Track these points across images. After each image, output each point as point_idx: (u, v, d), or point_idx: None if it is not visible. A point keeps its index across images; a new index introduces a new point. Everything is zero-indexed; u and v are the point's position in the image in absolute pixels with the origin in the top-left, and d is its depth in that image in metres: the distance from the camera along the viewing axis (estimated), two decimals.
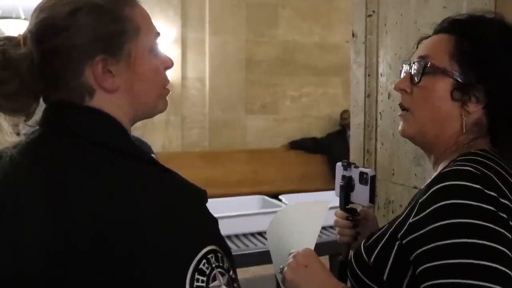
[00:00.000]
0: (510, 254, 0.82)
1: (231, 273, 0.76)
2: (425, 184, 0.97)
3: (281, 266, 1.10)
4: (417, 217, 0.88)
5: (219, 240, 0.77)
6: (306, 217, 1.24)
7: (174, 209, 0.75)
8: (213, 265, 0.73)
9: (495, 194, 0.85)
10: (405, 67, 1.06)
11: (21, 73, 0.80)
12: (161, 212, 0.73)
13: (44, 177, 0.78)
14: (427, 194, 0.88)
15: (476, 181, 0.85)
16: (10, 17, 4.31)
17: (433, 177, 0.96)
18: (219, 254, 0.74)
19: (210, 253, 0.73)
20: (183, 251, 0.72)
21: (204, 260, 0.72)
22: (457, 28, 1.02)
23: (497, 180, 0.88)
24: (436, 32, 1.06)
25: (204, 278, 0.71)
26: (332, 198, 1.35)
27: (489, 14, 1.03)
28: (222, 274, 0.74)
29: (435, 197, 0.86)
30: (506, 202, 0.85)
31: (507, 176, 0.92)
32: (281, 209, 1.32)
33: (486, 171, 0.88)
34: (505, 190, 0.87)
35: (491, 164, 0.92)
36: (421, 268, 0.85)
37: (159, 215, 0.73)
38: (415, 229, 0.88)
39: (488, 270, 0.79)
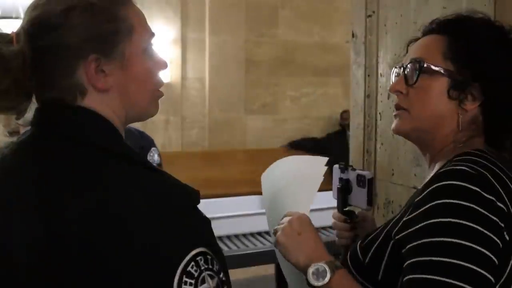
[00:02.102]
0: (495, 259, 0.83)
1: (221, 275, 0.75)
2: (423, 184, 0.97)
3: (275, 228, 1.09)
4: (411, 215, 0.89)
5: (210, 242, 0.77)
6: (302, 173, 1.20)
7: (162, 211, 0.74)
8: (202, 268, 0.72)
9: (492, 198, 0.85)
10: (397, 70, 1.07)
11: (12, 70, 0.79)
12: (150, 214, 0.73)
13: (34, 177, 0.78)
14: (423, 194, 0.89)
15: (474, 182, 0.86)
16: (10, 17, 4.31)
17: (429, 177, 0.97)
18: (208, 257, 0.73)
19: (199, 255, 0.72)
20: (171, 253, 0.71)
21: (193, 263, 0.71)
22: (447, 28, 1.02)
23: (494, 181, 0.88)
24: (425, 33, 1.07)
25: (193, 281, 0.71)
26: (330, 198, 1.34)
27: (476, 14, 1.04)
28: (212, 277, 0.73)
29: (431, 196, 0.87)
30: (502, 205, 0.86)
31: (504, 176, 0.92)
32: (277, 160, 1.26)
33: (483, 171, 0.89)
34: (502, 192, 0.88)
35: (488, 164, 0.93)
36: (407, 262, 0.86)
37: (148, 217, 0.72)
38: (408, 227, 0.89)
39: (469, 272, 0.80)
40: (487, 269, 0.81)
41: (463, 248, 0.81)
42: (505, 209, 0.86)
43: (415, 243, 0.86)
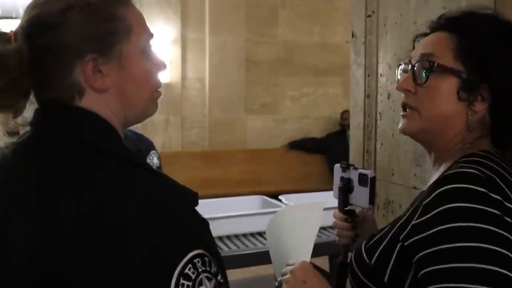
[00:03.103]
0: None
1: (219, 277, 0.75)
2: (428, 185, 0.96)
3: (279, 280, 1.09)
4: (421, 219, 0.87)
5: (207, 243, 0.77)
6: (302, 220, 1.22)
7: (161, 212, 0.74)
8: (199, 270, 0.72)
9: (500, 198, 0.84)
10: (404, 67, 1.05)
11: (10, 69, 0.78)
12: (148, 215, 0.73)
13: (34, 178, 0.78)
14: (431, 196, 0.87)
15: (481, 184, 0.84)
16: (11, 17, 4.31)
17: (436, 178, 0.95)
18: (206, 259, 0.73)
19: (196, 258, 0.72)
20: (169, 255, 0.71)
21: (190, 265, 0.71)
22: (456, 26, 1.00)
23: (501, 183, 0.87)
24: (433, 29, 1.04)
25: (190, 283, 0.70)
26: (330, 198, 1.34)
27: (483, 11, 1.01)
28: (209, 279, 0.73)
29: (440, 199, 0.85)
30: (511, 206, 0.84)
31: (509, 177, 0.91)
32: (277, 212, 1.30)
33: (490, 173, 0.88)
34: (509, 193, 0.87)
35: (494, 166, 0.91)
36: (424, 270, 0.84)
37: (146, 219, 0.72)
38: (419, 231, 0.87)
39: (492, 274, 0.78)
40: (508, 268, 0.79)
41: (482, 251, 0.79)
42: None
43: (430, 250, 0.83)
